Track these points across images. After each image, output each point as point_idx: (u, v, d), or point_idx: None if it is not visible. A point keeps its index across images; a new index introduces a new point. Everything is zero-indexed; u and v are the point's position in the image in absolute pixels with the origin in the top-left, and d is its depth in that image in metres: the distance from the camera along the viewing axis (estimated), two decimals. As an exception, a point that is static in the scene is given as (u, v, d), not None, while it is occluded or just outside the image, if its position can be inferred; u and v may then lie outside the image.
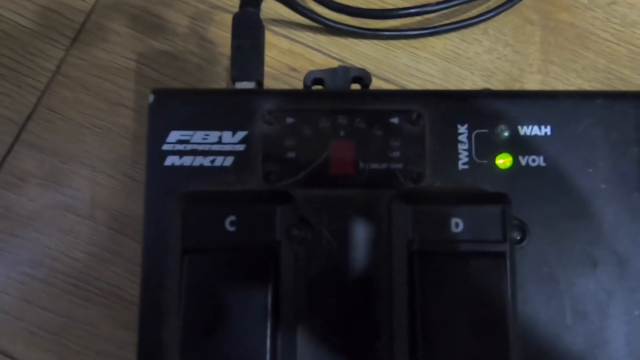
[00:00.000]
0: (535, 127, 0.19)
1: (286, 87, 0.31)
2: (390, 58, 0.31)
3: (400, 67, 0.31)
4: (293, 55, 0.31)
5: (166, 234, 0.18)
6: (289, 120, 0.19)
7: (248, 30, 0.21)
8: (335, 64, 0.33)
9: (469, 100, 0.19)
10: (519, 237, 0.18)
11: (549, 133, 0.19)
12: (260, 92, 0.20)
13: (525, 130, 0.19)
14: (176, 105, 0.19)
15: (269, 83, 0.32)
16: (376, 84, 0.33)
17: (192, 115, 0.19)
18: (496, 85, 0.31)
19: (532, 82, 0.30)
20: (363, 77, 0.22)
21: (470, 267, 0.17)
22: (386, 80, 0.31)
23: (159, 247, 0.18)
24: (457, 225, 0.17)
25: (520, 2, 0.31)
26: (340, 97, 0.20)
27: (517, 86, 0.31)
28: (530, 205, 0.19)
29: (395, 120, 0.19)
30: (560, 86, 0.30)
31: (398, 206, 0.18)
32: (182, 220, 0.18)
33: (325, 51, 0.31)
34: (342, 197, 0.19)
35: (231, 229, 0.17)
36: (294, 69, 0.31)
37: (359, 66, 0.22)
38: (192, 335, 0.16)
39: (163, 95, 0.19)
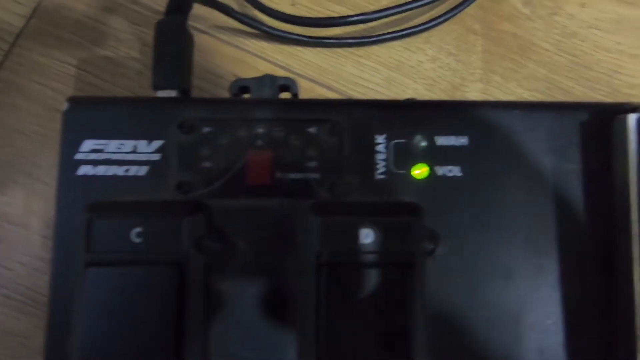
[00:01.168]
0: (452, 138, 0.19)
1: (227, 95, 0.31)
2: (335, 66, 0.31)
3: (345, 76, 0.31)
4: (237, 63, 0.31)
5: (76, 246, 0.18)
6: (206, 129, 0.19)
7: (171, 38, 0.21)
8: (280, 71, 0.33)
9: (387, 110, 0.19)
10: (431, 248, 0.18)
11: (465, 143, 0.19)
12: (178, 100, 0.20)
13: (442, 140, 0.19)
14: (91, 114, 0.19)
15: (211, 89, 0.32)
16: (320, 92, 0.33)
17: (108, 123, 0.19)
18: (438, 93, 0.31)
19: (474, 91, 0.31)
20: (290, 85, 0.22)
21: (377, 278, 0.17)
22: (330, 89, 0.31)
23: (68, 260, 0.18)
24: (367, 236, 0.17)
25: (463, 12, 0.31)
26: (259, 106, 0.19)
27: (458, 95, 0.31)
28: (445, 215, 0.19)
29: (313, 129, 0.19)
30: (501, 95, 0.31)
31: (308, 218, 0.18)
32: (86, 231, 0.17)
33: (270, 59, 0.31)
34: (259, 207, 0.19)
35: (137, 240, 0.17)
36: (237, 77, 0.31)
37: (285, 75, 0.22)
38: (90, 354, 0.16)
39: (78, 103, 0.19)
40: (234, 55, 0.32)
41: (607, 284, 0.18)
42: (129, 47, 0.32)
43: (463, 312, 0.18)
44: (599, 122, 0.19)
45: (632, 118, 0.17)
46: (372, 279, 0.17)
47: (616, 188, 0.18)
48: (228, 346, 0.17)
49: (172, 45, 0.20)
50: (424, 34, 0.32)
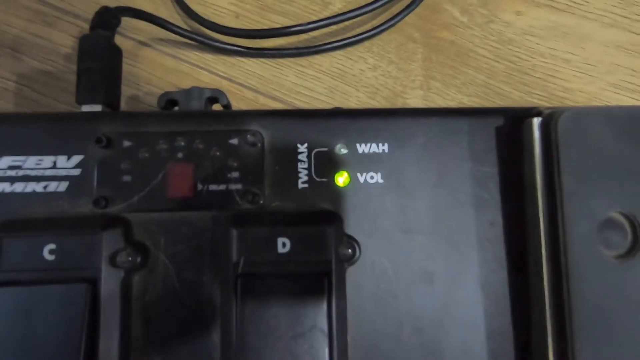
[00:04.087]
0: (373, 145, 0.20)
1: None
2: (278, 76, 0.31)
3: (288, 85, 0.31)
4: (179, 74, 0.31)
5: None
6: (126, 143, 0.19)
7: (95, 53, 0.21)
8: (222, 83, 0.33)
9: (309, 120, 0.20)
10: (350, 255, 0.18)
11: (386, 150, 0.20)
12: (99, 115, 0.20)
13: (363, 148, 0.20)
14: (8, 130, 0.19)
15: (152, 101, 0.31)
16: (263, 102, 0.33)
17: (26, 139, 0.19)
18: (380, 101, 0.31)
19: (415, 98, 0.31)
20: (218, 97, 0.22)
21: (293, 287, 0.17)
22: (274, 99, 0.31)
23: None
24: (284, 245, 0.17)
25: (403, 21, 0.32)
26: (181, 118, 0.19)
27: (399, 102, 0.31)
28: (367, 221, 0.19)
29: (234, 141, 0.19)
30: (441, 101, 0.31)
31: (228, 229, 0.18)
32: (-2, 249, 0.17)
33: (213, 70, 0.31)
34: (180, 219, 0.19)
35: (50, 258, 0.17)
36: (178, 88, 0.31)
37: (212, 87, 0.22)
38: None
39: (-6, 120, 0.19)
40: (176, 67, 0.32)
41: (522, 282, 0.19)
42: (69, 61, 0.32)
43: (385, 317, 0.18)
44: (512, 126, 0.19)
45: (536, 122, 0.18)
46: (288, 288, 0.17)
47: (527, 189, 0.18)
48: (148, 361, 0.17)
49: (96, 60, 0.20)
50: (366, 43, 0.33)
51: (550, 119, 0.17)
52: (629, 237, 0.17)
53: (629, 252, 0.17)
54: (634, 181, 0.17)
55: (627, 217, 0.17)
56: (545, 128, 0.17)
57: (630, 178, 0.17)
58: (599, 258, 0.16)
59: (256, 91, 0.31)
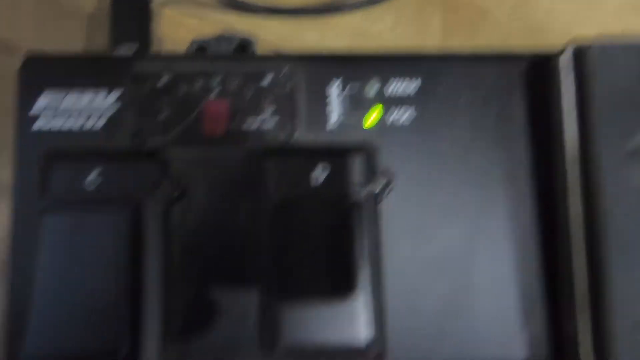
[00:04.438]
0: (401, 87, 0.20)
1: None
2: (298, 36, 0.32)
3: (308, 44, 0.32)
4: (199, 35, 0.32)
5: (34, 198, 0.18)
6: (162, 82, 0.19)
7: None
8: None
9: (340, 62, 0.20)
10: (383, 187, 0.19)
11: (414, 92, 0.20)
12: (136, 54, 0.20)
13: (391, 89, 0.20)
14: (47, 69, 0.19)
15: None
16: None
17: (64, 78, 0.19)
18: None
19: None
20: (247, 44, 0.22)
21: (328, 216, 0.17)
22: (294, 58, 0.32)
23: (27, 212, 0.18)
24: (318, 176, 0.18)
25: (421, -18, 0.32)
26: (216, 60, 0.20)
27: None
28: (396, 158, 0.19)
29: (267, 80, 0.20)
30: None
31: (263, 161, 0.18)
32: (42, 178, 0.18)
33: (234, 30, 0.32)
34: (215, 155, 0.19)
35: (93, 187, 0.17)
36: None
37: (245, 34, 0.22)
38: (46, 301, 0.16)
39: (34, 59, 0.19)
40: (196, 27, 0.33)
41: (549, 216, 0.19)
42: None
43: (414, 248, 0.19)
44: (539, 67, 0.20)
45: (566, 55, 0.18)
46: (323, 217, 0.18)
47: (554, 124, 0.19)
48: (187, 287, 0.18)
49: (130, 2, 0.21)
50: (385, 4, 0.33)
51: (581, 51, 0.17)
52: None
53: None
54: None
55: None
56: (576, 60, 0.17)
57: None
58: (629, 186, 0.16)
59: (277, 51, 0.32)
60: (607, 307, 0.17)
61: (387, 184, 0.19)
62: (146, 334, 0.17)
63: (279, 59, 0.20)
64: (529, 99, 0.20)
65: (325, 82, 0.20)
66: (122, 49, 0.20)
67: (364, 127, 0.20)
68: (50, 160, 0.18)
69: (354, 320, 0.17)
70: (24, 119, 0.19)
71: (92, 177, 0.17)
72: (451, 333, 0.19)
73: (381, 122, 0.20)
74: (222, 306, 0.18)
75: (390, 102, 0.20)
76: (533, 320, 0.19)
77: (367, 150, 0.19)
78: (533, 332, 0.19)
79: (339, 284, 0.17)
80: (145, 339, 0.17)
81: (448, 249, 0.19)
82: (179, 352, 0.17)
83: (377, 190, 0.19)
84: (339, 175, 0.18)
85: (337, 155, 0.18)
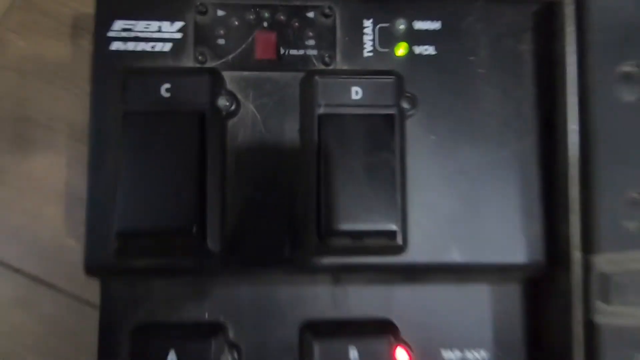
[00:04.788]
0: (428, 22, 0.23)
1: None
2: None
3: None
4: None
5: (112, 104, 0.21)
6: (220, 12, 0.22)
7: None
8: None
9: (372, 2, 0.23)
10: (409, 107, 0.22)
11: (438, 27, 0.23)
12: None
13: (419, 25, 0.23)
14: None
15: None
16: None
17: (135, 6, 0.22)
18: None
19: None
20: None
21: (366, 124, 0.20)
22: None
23: (105, 118, 0.21)
24: (357, 93, 0.21)
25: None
26: (266, -5, 0.23)
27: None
28: (421, 84, 0.23)
29: (311, 14, 0.23)
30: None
31: (310, 80, 0.21)
32: (123, 87, 0.20)
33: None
34: (265, 77, 0.22)
35: (166, 95, 0.20)
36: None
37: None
38: (130, 188, 0.19)
39: (110, -10, 0.22)
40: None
41: (550, 138, 0.22)
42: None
43: (433, 163, 0.22)
44: (547, 9, 0.23)
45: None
46: (361, 125, 0.21)
47: (557, 60, 0.22)
48: (243, 192, 0.21)
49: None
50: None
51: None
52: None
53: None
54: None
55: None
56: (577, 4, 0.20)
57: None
58: (619, 102, 0.19)
59: None
60: (593, 207, 0.20)
61: (413, 104, 0.22)
62: (210, 217, 0.20)
63: (320, -3, 0.23)
64: (538, 37, 0.23)
65: (362, 17, 0.23)
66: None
67: (395, 56, 0.23)
68: (129, 75, 0.21)
69: (388, 211, 0.20)
70: (102, 40, 0.22)
71: (167, 87, 0.20)
72: (460, 237, 0.22)
73: (409, 54, 0.23)
74: (271, 203, 0.21)
75: (416, 38, 0.23)
76: (533, 227, 0.22)
77: (396, 75, 0.22)
78: (532, 237, 0.22)
79: (377, 181, 0.20)
80: (210, 221, 0.20)
81: (462, 165, 0.22)
82: (237, 232, 0.21)
83: (405, 109, 0.22)
84: (375, 93, 0.21)
85: (372, 77, 0.21)
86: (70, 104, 0.28)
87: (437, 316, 0.24)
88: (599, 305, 0.20)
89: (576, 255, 0.20)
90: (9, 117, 0.28)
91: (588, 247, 0.20)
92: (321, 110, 0.21)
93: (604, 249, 0.20)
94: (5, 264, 0.28)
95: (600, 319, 0.20)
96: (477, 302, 0.24)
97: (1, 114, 0.28)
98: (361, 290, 0.23)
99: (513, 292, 0.24)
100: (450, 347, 0.24)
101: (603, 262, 0.20)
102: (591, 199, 0.20)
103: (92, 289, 0.26)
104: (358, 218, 0.20)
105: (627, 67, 0.20)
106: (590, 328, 0.20)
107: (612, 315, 0.20)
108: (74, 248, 0.27)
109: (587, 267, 0.20)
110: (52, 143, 0.27)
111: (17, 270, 0.27)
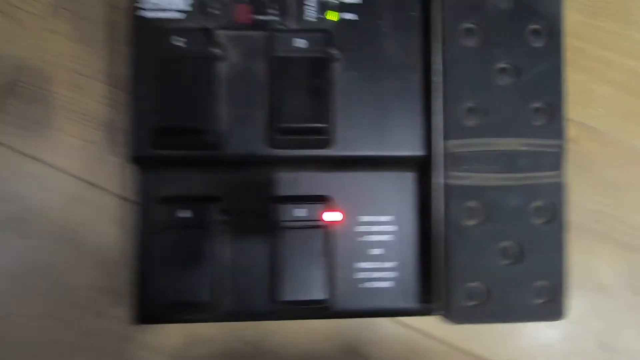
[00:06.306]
0: (351, -1, 0.35)
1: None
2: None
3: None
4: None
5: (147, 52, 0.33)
6: (215, -8, 0.34)
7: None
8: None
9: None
10: (338, 53, 0.34)
11: (360, 2, 0.35)
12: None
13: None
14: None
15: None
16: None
17: (158, -12, 0.34)
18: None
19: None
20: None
21: (307, 62, 0.32)
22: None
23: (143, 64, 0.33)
24: (302, 43, 0.32)
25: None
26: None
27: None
28: (347, 39, 0.35)
29: (273, -9, 0.34)
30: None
31: (269, 38, 0.33)
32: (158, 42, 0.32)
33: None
34: (244, 35, 0.34)
35: (178, 44, 0.32)
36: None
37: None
38: (161, 101, 0.31)
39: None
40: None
41: (427, 74, 0.34)
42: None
43: (356, 89, 0.34)
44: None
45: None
46: (304, 63, 0.32)
47: (430, 22, 0.33)
48: (233, 105, 0.33)
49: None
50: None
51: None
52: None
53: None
54: None
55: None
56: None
57: None
58: (463, 47, 0.31)
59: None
60: (447, 112, 0.31)
61: (340, 51, 0.34)
62: (211, 120, 0.32)
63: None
64: (422, 6, 0.35)
65: (306, -5, 0.34)
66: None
67: (329, 20, 0.34)
68: (155, 32, 0.32)
69: (320, 113, 0.32)
70: (136, 10, 0.33)
71: (178, 39, 0.32)
72: (372, 136, 0.34)
73: (339, 20, 0.34)
74: (251, 113, 0.33)
75: (345, 8, 0.34)
76: (419, 129, 0.34)
77: (327, 32, 0.34)
78: (417, 137, 0.34)
79: (313, 95, 0.32)
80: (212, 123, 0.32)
81: (373, 88, 0.34)
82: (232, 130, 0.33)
83: (336, 54, 0.33)
84: (311, 44, 0.32)
85: (311, 33, 0.33)
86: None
87: (361, 193, 0.36)
88: (449, 173, 0.32)
89: (437, 142, 0.32)
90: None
91: (445, 136, 0.32)
92: (278, 54, 0.32)
93: (452, 137, 0.32)
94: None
95: (450, 181, 0.32)
96: (387, 184, 0.36)
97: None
98: (311, 175, 0.35)
99: (410, 176, 0.36)
100: (368, 214, 0.36)
101: (452, 145, 0.32)
102: (446, 107, 0.32)
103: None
104: (299, 118, 0.32)
105: (468, 25, 0.32)
106: (445, 187, 0.32)
107: (456, 178, 0.32)
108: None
109: (444, 149, 0.32)
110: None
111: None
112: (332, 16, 0.35)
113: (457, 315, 0.31)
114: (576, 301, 0.43)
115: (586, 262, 0.45)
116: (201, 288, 0.32)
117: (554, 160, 0.32)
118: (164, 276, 0.32)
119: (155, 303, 0.33)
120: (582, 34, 0.48)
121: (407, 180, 0.36)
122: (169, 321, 0.34)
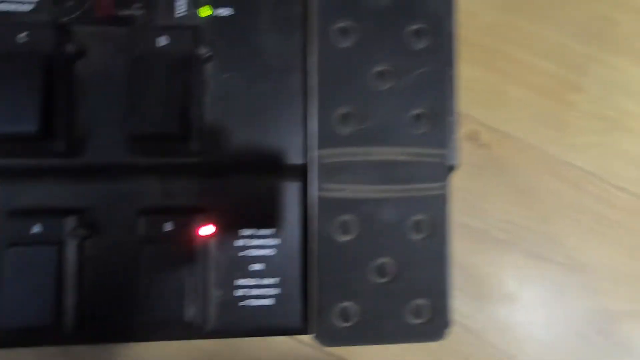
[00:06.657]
0: (226, -4, 0.32)
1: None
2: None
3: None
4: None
5: None
6: (70, -18, 0.31)
7: None
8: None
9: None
10: (208, 52, 0.31)
11: (234, -3, 0.32)
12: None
13: (219, -4, 0.32)
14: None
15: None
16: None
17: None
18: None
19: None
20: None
21: (168, 69, 0.29)
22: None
23: None
24: (163, 41, 0.29)
25: None
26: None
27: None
28: (222, 37, 0.32)
29: (137, -16, 0.31)
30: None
31: (132, 32, 0.30)
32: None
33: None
34: (105, 30, 0.31)
35: (22, 42, 0.29)
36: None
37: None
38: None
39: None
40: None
41: (304, 74, 0.32)
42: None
43: (232, 92, 0.31)
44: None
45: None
46: (163, 67, 0.29)
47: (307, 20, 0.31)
48: (90, 108, 0.30)
49: None
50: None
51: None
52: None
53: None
54: None
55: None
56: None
57: None
58: (335, 47, 0.28)
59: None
60: (320, 118, 0.29)
61: (213, 49, 0.31)
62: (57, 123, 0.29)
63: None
64: (304, 5, 0.32)
65: (175, -13, 0.31)
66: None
67: (201, 16, 0.31)
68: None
69: (180, 117, 0.29)
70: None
71: (22, 36, 0.29)
72: (247, 139, 0.32)
73: (211, 15, 0.32)
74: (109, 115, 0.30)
75: (219, 3, 0.32)
76: (299, 136, 0.32)
77: (197, 29, 0.31)
78: (297, 146, 0.32)
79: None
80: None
81: (247, 92, 0.32)
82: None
83: (203, 55, 0.31)
84: (175, 42, 0.30)
85: (177, 29, 0.30)
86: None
87: (241, 205, 0.33)
88: (322, 185, 0.30)
89: (313, 151, 0.30)
90: None
91: (319, 145, 0.30)
92: (138, 53, 0.30)
93: (326, 146, 0.29)
94: None
95: (323, 193, 0.30)
96: (271, 195, 0.33)
97: None
98: (187, 184, 0.33)
99: (296, 186, 0.33)
100: (248, 227, 0.34)
101: (324, 155, 0.29)
102: (319, 113, 0.29)
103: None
104: (154, 124, 0.29)
105: (342, 23, 0.29)
106: (319, 200, 0.30)
107: (329, 190, 0.29)
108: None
109: (318, 159, 0.30)
110: None
111: None
112: (205, 11, 0.32)
113: (327, 336, 0.29)
114: (481, 313, 0.42)
115: (493, 273, 0.44)
116: (44, 311, 0.29)
117: (436, 171, 0.30)
118: (5, 298, 0.29)
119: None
120: (497, 33, 0.46)
121: (293, 191, 0.34)
122: (10, 346, 0.31)
